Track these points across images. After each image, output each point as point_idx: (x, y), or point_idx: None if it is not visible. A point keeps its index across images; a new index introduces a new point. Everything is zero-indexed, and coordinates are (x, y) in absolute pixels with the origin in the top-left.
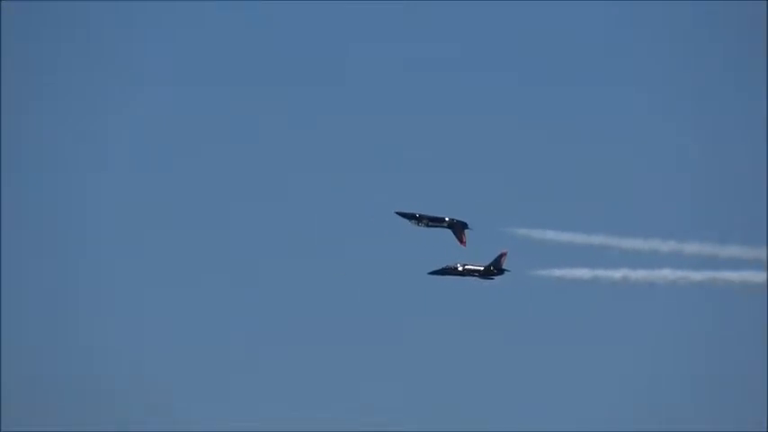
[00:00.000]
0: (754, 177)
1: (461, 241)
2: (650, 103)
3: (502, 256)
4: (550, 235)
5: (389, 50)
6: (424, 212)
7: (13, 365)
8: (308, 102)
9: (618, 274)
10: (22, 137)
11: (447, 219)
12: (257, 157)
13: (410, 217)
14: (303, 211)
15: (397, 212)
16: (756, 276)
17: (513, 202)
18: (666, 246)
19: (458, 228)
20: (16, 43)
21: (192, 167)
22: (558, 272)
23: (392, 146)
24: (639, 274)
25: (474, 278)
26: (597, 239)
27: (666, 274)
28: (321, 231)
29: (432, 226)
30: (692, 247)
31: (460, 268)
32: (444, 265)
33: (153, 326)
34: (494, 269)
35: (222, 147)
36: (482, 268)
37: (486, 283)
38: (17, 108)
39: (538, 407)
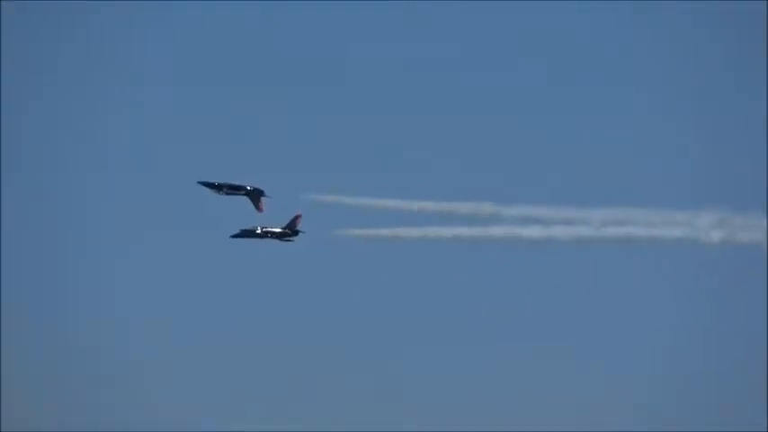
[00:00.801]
0: (753, 177)
1: (258, 208)
2: (650, 103)
3: (297, 217)
4: (350, 200)
5: (386, 50)
6: (223, 181)
7: (13, 365)
8: (308, 101)
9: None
10: (22, 137)
11: (247, 187)
12: (257, 158)
13: (211, 186)
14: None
15: (199, 182)
16: None
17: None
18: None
19: (255, 195)
20: (16, 43)
21: (192, 167)
22: (356, 231)
23: None
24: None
25: (273, 240)
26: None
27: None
28: None
29: (231, 194)
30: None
31: (260, 231)
32: (244, 228)
33: (153, 326)
34: (289, 231)
35: (222, 147)
36: (279, 230)
37: (285, 244)
38: (17, 108)
39: None
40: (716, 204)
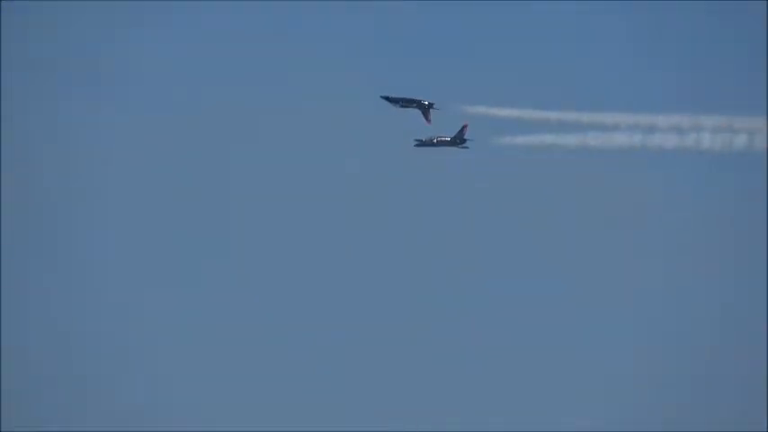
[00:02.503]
0: (754, 178)
1: (427, 119)
2: (650, 103)
3: (464, 127)
4: (507, 112)
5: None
6: (399, 95)
7: (13, 365)
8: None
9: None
10: (22, 137)
11: (421, 100)
12: (257, 158)
13: (391, 100)
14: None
15: (381, 96)
16: None
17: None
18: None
19: (426, 108)
20: (16, 43)
21: (192, 167)
22: (520, 138)
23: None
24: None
25: (449, 148)
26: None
27: (624, 138)
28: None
29: (405, 107)
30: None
31: (435, 140)
32: (424, 138)
33: (153, 326)
34: (458, 140)
35: (222, 147)
36: (449, 138)
37: (461, 151)
38: (17, 108)
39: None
40: None
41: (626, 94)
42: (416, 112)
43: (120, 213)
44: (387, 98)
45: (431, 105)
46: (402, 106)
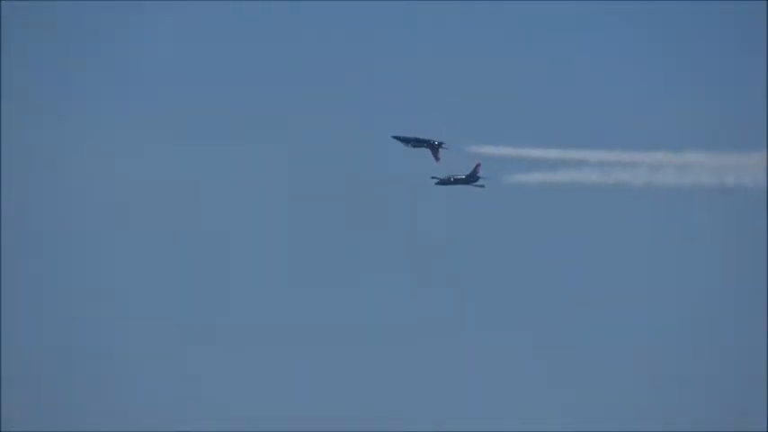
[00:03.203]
0: (753, 178)
1: (437, 158)
2: (649, 104)
3: (477, 166)
4: (512, 150)
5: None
6: (412, 135)
7: (13, 365)
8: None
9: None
10: (22, 137)
11: (431, 140)
12: (257, 158)
13: (403, 140)
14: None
15: (393, 136)
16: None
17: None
18: None
19: (435, 147)
20: (16, 43)
21: (192, 167)
22: (534, 176)
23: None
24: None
25: (464, 186)
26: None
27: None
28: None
29: (416, 146)
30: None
31: (452, 179)
32: (443, 176)
33: (153, 326)
34: (472, 178)
35: (222, 147)
36: (464, 177)
37: (476, 189)
38: (17, 108)
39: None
40: None
41: (636, 127)
42: (425, 151)
43: (120, 213)
44: (398, 138)
45: (440, 144)
46: (413, 146)
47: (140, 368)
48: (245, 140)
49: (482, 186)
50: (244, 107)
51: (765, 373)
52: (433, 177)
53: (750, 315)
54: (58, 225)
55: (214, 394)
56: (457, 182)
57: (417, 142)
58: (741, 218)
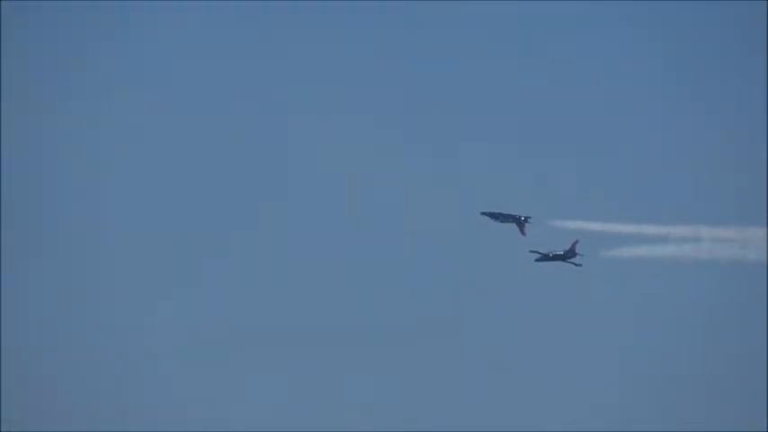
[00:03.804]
0: (753, 178)
1: (523, 233)
2: (650, 104)
3: (575, 242)
4: (591, 225)
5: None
6: (499, 211)
7: (13, 365)
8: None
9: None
10: (22, 136)
11: (517, 215)
12: (256, 158)
13: (493, 216)
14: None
15: (482, 213)
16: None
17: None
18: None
19: (521, 222)
20: (16, 43)
21: (192, 167)
22: (626, 251)
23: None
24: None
25: (562, 262)
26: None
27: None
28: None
29: (504, 221)
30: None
31: (551, 255)
32: (545, 252)
33: (154, 326)
34: (569, 254)
35: (222, 147)
36: (562, 253)
37: (574, 267)
38: (17, 108)
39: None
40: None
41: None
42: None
43: (120, 213)
44: (487, 214)
45: (527, 219)
46: (501, 221)
47: (140, 368)
48: (245, 140)
49: (579, 265)
50: (244, 106)
51: (765, 373)
52: (531, 251)
53: (750, 315)
54: (58, 225)
55: (214, 394)
56: (555, 258)
57: (504, 217)
58: None
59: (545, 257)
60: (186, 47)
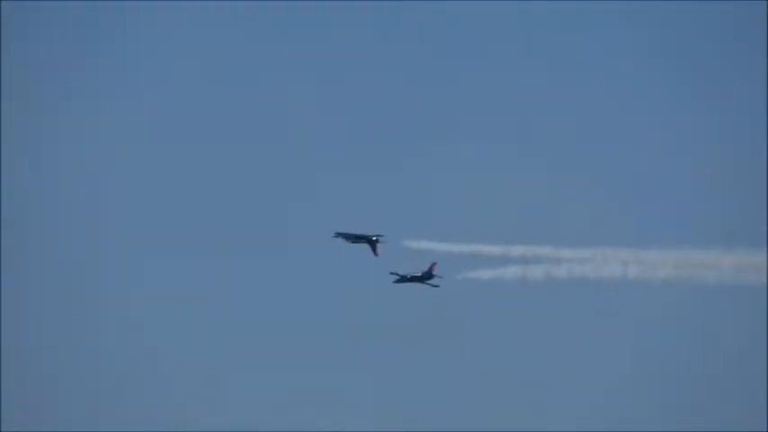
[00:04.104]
0: (754, 178)
1: (376, 253)
2: (650, 104)
3: (433, 265)
4: (449, 246)
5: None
6: (352, 232)
7: (13, 365)
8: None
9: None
10: (22, 136)
11: (369, 235)
12: (256, 158)
13: (345, 236)
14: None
15: (336, 234)
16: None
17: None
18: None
19: (374, 242)
20: (16, 43)
21: (192, 167)
22: (486, 273)
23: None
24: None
25: (419, 284)
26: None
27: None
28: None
29: (356, 242)
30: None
31: (409, 276)
32: (402, 274)
33: (154, 326)
34: (427, 276)
35: (222, 147)
36: (419, 275)
37: (431, 288)
38: (17, 108)
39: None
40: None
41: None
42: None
43: (120, 213)
44: (341, 234)
45: (378, 239)
46: (353, 242)
47: (140, 368)
48: (244, 141)
49: (437, 286)
50: (242, 107)
51: (765, 373)
52: (392, 273)
53: (750, 316)
54: (57, 225)
55: (214, 394)
56: (413, 279)
57: (357, 238)
58: None
59: (403, 279)
60: (186, 47)
